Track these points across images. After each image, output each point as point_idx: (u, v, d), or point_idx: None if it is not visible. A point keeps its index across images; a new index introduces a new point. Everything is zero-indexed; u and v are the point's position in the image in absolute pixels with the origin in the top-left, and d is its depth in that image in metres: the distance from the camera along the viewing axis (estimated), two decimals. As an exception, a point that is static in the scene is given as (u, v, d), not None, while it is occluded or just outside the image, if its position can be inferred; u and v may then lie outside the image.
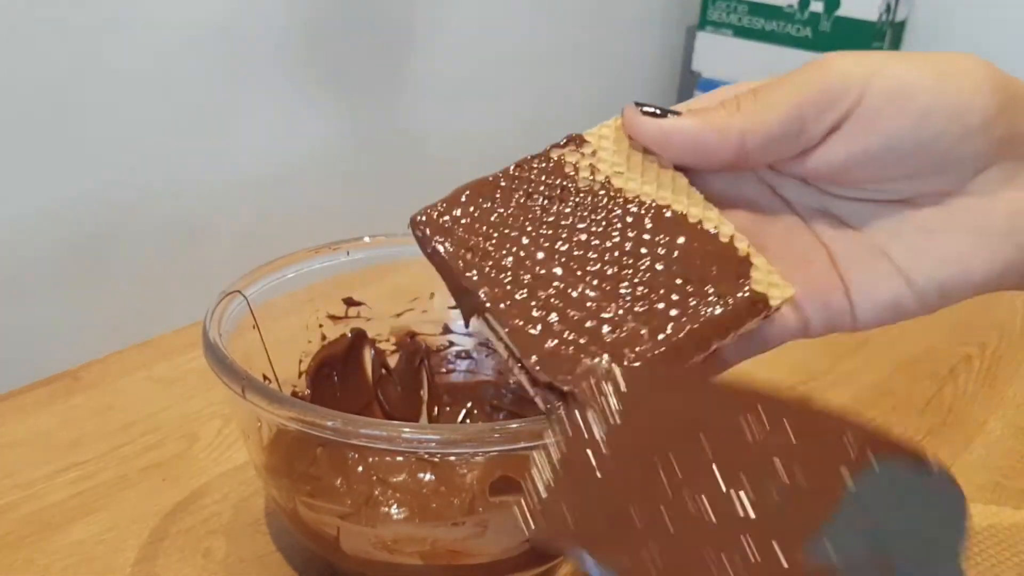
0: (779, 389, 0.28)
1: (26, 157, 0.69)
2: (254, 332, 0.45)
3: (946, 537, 0.26)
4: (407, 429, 0.35)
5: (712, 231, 0.32)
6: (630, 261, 0.32)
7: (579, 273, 0.31)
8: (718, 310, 0.31)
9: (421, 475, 0.45)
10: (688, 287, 0.31)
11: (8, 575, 0.44)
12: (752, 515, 0.25)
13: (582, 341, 0.29)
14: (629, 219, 0.32)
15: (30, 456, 0.52)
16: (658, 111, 0.32)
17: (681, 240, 0.32)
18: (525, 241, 0.32)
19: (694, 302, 0.31)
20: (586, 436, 0.27)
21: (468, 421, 0.53)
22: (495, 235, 0.32)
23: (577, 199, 0.33)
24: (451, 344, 0.53)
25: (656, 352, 0.30)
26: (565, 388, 0.28)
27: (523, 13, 1.05)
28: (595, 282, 0.31)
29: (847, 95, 0.30)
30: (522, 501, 0.25)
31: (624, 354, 0.29)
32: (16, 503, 0.48)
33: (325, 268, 0.48)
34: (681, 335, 0.30)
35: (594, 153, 0.34)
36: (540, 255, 0.31)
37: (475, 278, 0.31)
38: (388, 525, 0.43)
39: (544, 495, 0.25)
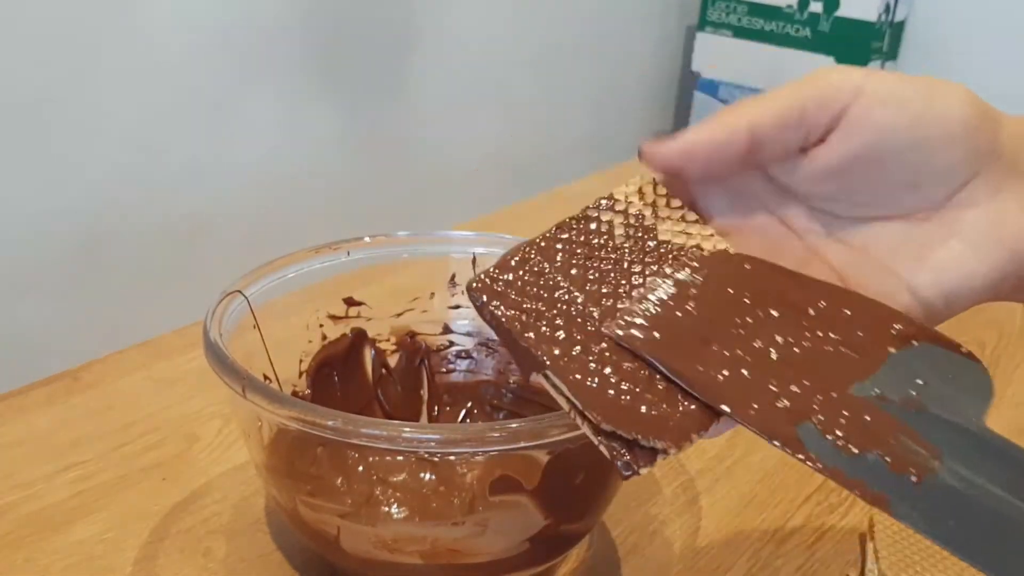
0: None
1: (26, 157, 0.69)
2: (254, 332, 0.45)
3: (971, 401, 0.30)
4: (407, 429, 0.35)
5: None
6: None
7: None
8: None
9: (421, 475, 0.45)
10: None
11: (8, 575, 0.44)
12: (808, 359, 0.31)
13: (638, 390, 0.30)
14: (667, 269, 0.34)
15: (30, 456, 0.52)
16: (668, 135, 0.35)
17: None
18: (575, 296, 0.33)
19: None
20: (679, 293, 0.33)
21: (468, 421, 0.53)
22: (545, 295, 0.33)
23: (615, 255, 0.35)
24: (451, 344, 0.53)
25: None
26: (630, 437, 0.29)
27: (523, 14, 1.05)
28: None
29: (843, 93, 0.32)
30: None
31: (677, 399, 0.30)
32: (16, 503, 0.48)
33: (325, 268, 0.48)
34: None
35: (625, 210, 0.36)
36: (592, 309, 0.33)
37: (532, 338, 0.32)
38: (388, 524, 0.43)
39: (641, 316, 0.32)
